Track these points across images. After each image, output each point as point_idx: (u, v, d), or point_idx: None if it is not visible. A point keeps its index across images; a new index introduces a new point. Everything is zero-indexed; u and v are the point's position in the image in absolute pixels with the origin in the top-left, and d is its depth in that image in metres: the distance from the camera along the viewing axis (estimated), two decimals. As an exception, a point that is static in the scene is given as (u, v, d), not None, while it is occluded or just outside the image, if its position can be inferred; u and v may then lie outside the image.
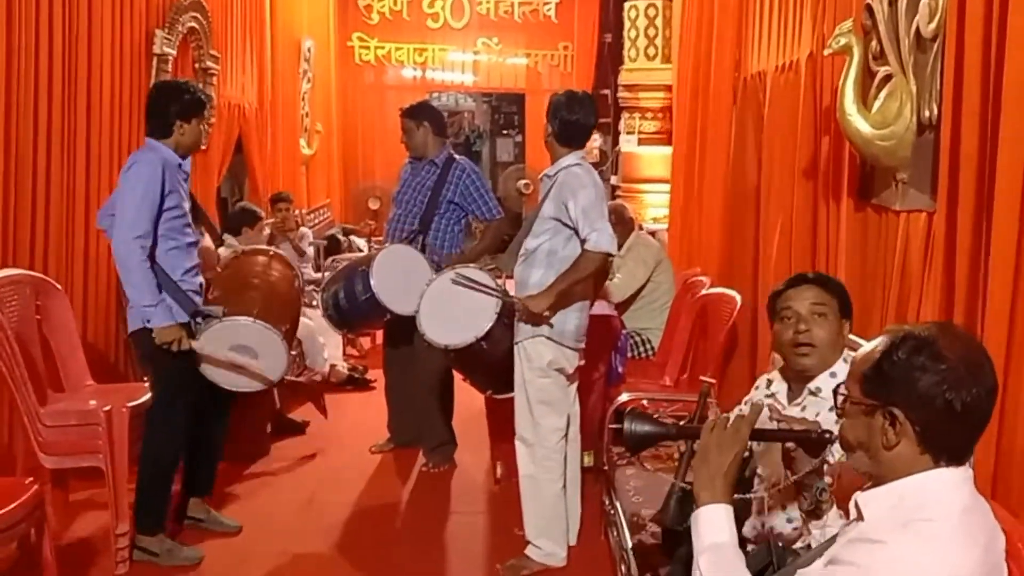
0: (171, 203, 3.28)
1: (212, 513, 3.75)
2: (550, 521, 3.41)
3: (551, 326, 3.27)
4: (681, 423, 1.84)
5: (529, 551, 3.41)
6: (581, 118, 3.33)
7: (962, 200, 2.38)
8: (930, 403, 1.35)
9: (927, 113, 2.61)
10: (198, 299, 3.43)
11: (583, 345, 3.42)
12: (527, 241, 3.36)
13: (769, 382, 2.33)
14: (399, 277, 4.09)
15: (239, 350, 3.43)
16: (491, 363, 3.43)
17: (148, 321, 3.27)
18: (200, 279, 3.48)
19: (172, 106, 3.36)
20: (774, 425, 1.79)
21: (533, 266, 3.33)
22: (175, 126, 3.35)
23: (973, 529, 1.35)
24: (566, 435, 3.41)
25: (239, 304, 3.53)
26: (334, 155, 9.44)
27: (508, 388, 3.46)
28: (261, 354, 3.48)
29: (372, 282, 4.07)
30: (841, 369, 2.12)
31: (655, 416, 1.77)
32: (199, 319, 3.38)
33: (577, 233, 3.22)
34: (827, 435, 1.63)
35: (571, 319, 3.31)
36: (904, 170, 2.78)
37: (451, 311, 3.42)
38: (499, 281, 3.42)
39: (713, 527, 1.51)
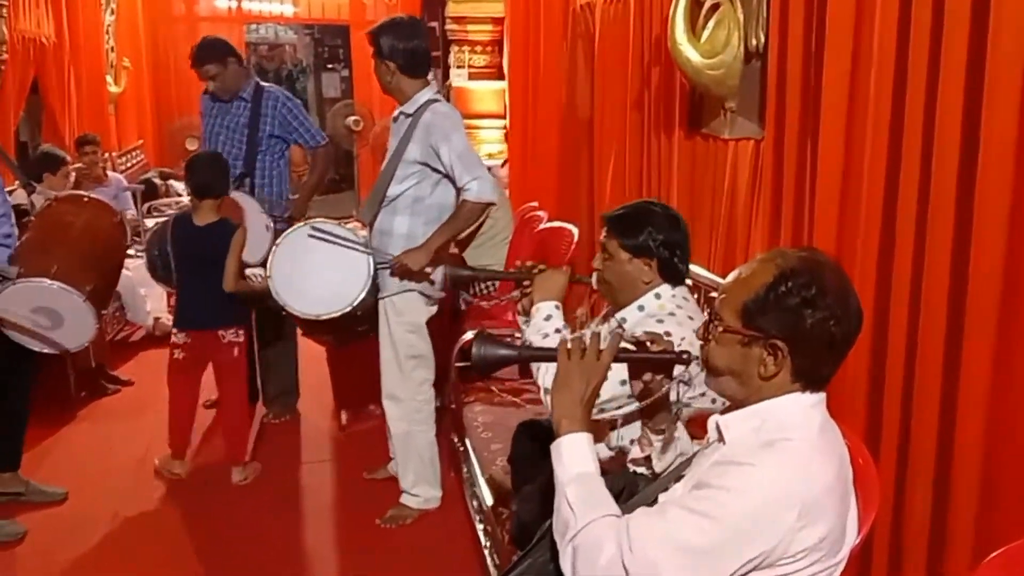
0: None
1: (31, 484, 3.48)
2: (426, 469, 3.36)
3: (432, 283, 3.13)
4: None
5: (406, 500, 3.36)
6: (420, 43, 3.09)
7: (788, 127, 2.47)
8: (817, 338, 1.38)
9: (754, 41, 2.68)
10: (2, 252, 3.10)
11: (444, 294, 3.32)
12: (390, 188, 3.12)
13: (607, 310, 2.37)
14: None
15: (41, 313, 3.13)
16: (351, 322, 3.20)
17: None
18: (7, 228, 3.15)
19: None
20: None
21: (397, 214, 3.12)
22: None
23: (829, 446, 1.42)
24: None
25: (40, 261, 3.18)
26: (145, 93, 8.79)
27: (354, 337, 3.34)
28: (66, 317, 3.17)
29: None
30: (649, 302, 2.17)
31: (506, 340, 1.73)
32: None
33: (448, 178, 3.04)
34: (685, 355, 1.62)
35: (439, 270, 3.15)
36: (732, 99, 2.85)
37: (312, 273, 3.11)
38: (360, 233, 3.19)
39: (576, 456, 1.49)
